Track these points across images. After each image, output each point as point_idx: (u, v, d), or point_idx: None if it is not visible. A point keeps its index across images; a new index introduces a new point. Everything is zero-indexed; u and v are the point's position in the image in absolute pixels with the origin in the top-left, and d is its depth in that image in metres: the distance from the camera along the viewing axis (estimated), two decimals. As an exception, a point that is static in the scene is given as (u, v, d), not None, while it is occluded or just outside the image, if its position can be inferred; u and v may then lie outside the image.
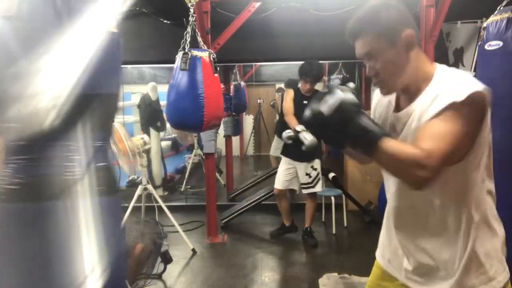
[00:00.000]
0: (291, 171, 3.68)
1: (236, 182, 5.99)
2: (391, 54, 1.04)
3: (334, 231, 4.08)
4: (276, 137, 5.60)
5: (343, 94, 0.96)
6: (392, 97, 1.17)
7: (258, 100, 8.40)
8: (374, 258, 1.33)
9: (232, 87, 6.20)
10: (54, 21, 1.06)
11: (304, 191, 3.70)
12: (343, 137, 0.97)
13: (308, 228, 3.82)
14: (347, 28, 1.09)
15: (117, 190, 1.25)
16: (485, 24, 1.96)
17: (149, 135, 5.11)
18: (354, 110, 0.96)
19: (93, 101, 1.09)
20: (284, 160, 3.70)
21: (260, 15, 3.87)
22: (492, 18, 1.90)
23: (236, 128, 6.88)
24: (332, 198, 4.20)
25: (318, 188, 3.65)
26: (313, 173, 3.59)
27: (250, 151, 9.32)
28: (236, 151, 8.58)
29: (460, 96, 0.93)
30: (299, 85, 3.55)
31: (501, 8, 1.92)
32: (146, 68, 7.71)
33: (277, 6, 3.94)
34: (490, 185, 1.12)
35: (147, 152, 3.84)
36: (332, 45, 4.04)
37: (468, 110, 0.95)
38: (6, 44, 1.05)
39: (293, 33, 4.16)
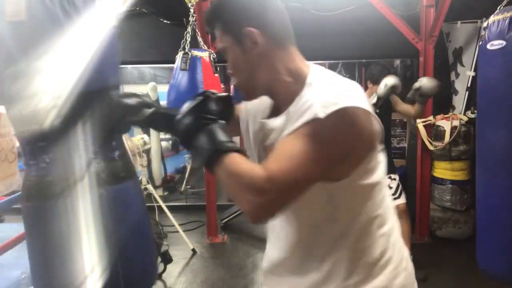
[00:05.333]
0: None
1: (236, 182, 5.98)
2: (237, 53, 0.91)
3: (334, 231, 4.08)
4: None
5: (206, 97, 0.92)
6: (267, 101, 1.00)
7: (258, 100, 8.38)
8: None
9: (232, 87, 6.21)
10: (59, 22, 1.06)
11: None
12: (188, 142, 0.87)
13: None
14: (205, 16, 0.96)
15: (123, 177, 1.22)
16: (485, 24, 1.94)
17: (149, 135, 5.11)
18: (202, 115, 0.87)
19: (94, 98, 1.09)
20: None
21: (260, 15, 3.87)
22: (493, 18, 1.87)
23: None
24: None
25: (403, 198, 3.02)
26: (393, 184, 3.00)
27: (250, 151, 9.30)
28: (236, 151, 8.56)
29: (324, 111, 0.75)
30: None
31: (501, 7, 1.91)
32: (146, 68, 7.70)
33: (277, 6, 3.93)
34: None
35: (147, 152, 3.85)
36: (332, 45, 4.02)
37: (330, 130, 0.76)
38: (8, 46, 1.05)
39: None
